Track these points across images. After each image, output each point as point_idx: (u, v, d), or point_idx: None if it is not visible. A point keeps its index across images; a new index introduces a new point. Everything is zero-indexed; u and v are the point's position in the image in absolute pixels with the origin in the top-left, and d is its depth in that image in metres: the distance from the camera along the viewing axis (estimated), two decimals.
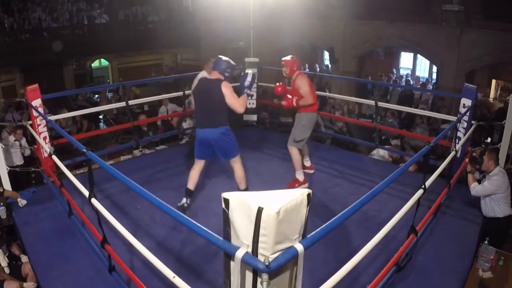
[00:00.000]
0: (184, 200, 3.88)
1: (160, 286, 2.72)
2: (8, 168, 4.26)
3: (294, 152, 4.29)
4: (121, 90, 9.69)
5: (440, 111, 7.83)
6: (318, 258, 3.03)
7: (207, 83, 3.68)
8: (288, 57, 4.23)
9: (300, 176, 4.36)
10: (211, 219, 3.58)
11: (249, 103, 5.92)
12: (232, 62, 3.73)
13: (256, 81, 3.90)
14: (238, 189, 3.82)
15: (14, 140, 5.44)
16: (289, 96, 4.19)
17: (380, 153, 5.68)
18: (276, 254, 1.48)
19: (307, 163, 4.76)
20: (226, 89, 3.56)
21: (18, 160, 5.53)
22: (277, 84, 4.36)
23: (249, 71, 3.83)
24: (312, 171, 4.77)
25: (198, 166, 3.89)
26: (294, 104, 4.15)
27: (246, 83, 3.67)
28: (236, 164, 3.83)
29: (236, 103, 3.58)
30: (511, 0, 8.00)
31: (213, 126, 3.65)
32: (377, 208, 3.80)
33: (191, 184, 3.89)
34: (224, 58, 3.74)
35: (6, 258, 3.40)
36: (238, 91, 3.72)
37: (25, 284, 3.23)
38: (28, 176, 5.07)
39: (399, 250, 2.72)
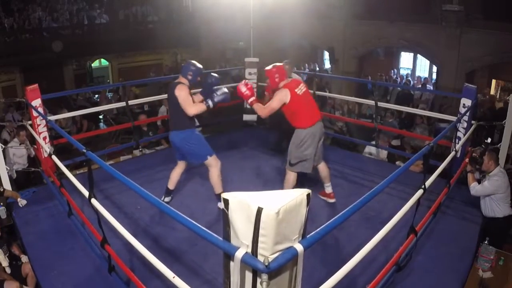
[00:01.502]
0: (162, 197, 3.97)
1: (160, 286, 2.72)
2: (8, 169, 4.26)
3: (289, 176, 3.79)
4: (121, 90, 9.70)
5: (445, 110, 7.80)
6: (318, 258, 3.03)
7: (170, 87, 3.70)
8: (270, 66, 3.70)
9: None
10: (210, 219, 3.60)
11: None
12: (198, 65, 3.67)
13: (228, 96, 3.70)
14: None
15: (20, 144, 5.38)
16: (247, 92, 3.63)
17: (371, 150, 5.70)
18: (276, 254, 1.48)
19: (328, 189, 4.05)
20: (179, 91, 3.54)
21: (24, 163, 5.49)
22: (244, 82, 3.72)
23: (225, 89, 3.70)
24: (333, 200, 4.05)
25: (178, 167, 3.95)
26: (248, 100, 3.68)
27: (215, 96, 3.60)
28: (210, 168, 3.76)
29: (187, 107, 3.52)
30: (511, 0, 8.00)
31: (174, 129, 3.69)
32: (377, 208, 3.80)
33: (170, 184, 3.98)
34: (190, 61, 3.72)
35: (7, 258, 3.40)
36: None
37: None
38: (28, 176, 5.07)
39: (399, 250, 2.72)
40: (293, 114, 3.70)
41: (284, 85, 3.66)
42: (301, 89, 3.70)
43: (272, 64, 3.73)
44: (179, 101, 3.55)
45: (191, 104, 3.57)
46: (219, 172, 3.79)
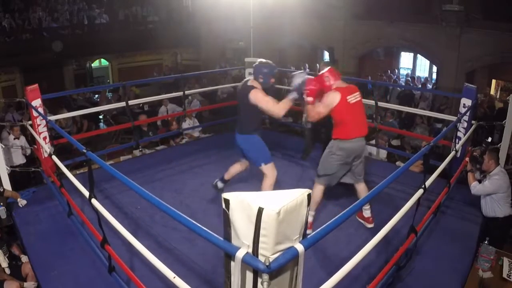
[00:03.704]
0: (216, 180, 4.08)
1: (160, 286, 2.72)
2: (9, 169, 4.26)
3: (315, 190, 3.43)
4: (121, 90, 9.70)
5: (443, 111, 7.83)
6: (318, 258, 3.03)
7: (242, 88, 3.56)
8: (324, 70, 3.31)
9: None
10: (211, 219, 3.59)
11: None
12: (270, 66, 3.51)
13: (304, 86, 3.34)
14: None
15: (14, 139, 5.43)
16: (308, 90, 3.25)
17: (371, 150, 5.69)
18: (277, 254, 1.48)
19: (366, 212, 3.57)
20: (255, 95, 3.37)
21: (20, 160, 5.52)
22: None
23: (302, 75, 3.35)
24: (371, 225, 3.57)
25: (240, 164, 3.96)
26: (307, 98, 3.28)
27: (295, 85, 3.32)
28: (264, 175, 3.67)
29: (271, 107, 3.33)
30: (511, 0, 8.00)
31: (238, 131, 3.67)
32: (377, 208, 3.80)
33: (227, 175, 4.03)
34: (260, 61, 3.54)
35: (7, 259, 3.40)
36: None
37: (25, 284, 3.24)
38: (28, 176, 5.07)
39: (399, 250, 2.72)
40: (336, 122, 3.33)
41: (336, 88, 3.29)
42: (355, 97, 3.31)
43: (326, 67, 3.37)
44: (260, 105, 3.36)
45: (274, 103, 3.34)
46: (272, 181, 3.63)
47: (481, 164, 3.72)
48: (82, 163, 4.87)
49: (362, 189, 3.51)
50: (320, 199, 3.48)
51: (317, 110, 3.29)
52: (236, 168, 4.00)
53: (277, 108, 3.34)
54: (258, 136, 3.66)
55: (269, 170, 3.63)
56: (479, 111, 7.14)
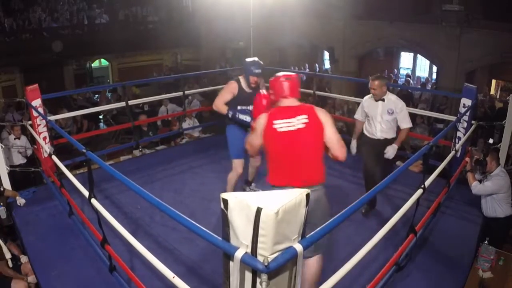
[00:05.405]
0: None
1: (160, 286, 2.72)
2: (9, 168, 4.25)
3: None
4: (120, 90, 9.71)
5: (443, 111, 7.84)
6: None
7: None
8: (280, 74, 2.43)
9: None
10: (210, 219, 3.60)
11: None
12: (253, 64, 3.64)
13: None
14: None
15: (14, 139, 5.42)
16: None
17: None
18: (275, 254, 1.48)
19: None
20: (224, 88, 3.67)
21: (20, 159, 5.51)
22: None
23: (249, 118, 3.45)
24: None
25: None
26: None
27: (239, 114, 3.49)
28: (232, 170, 3.77)
29: (216, 99, 3.62)
30: (511, 0, 8.00)
31: None
32: (377, 208, 3.79)
33: (249, 176, 4.08)
34: (249, 59, 3.72)
35: (9, 250, 3.42)
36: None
37: (29, 279, 3.28)
38: (28, 176, 5.07)
39: (399, 250, 2.72)
40: (267, 159, 2.41)
41: (274, 108, 2.42)
42: (294, 123, 2.29)
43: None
44: None
45: (220, 99, 3.58)
46: (236, 178, 3.75)
47: (485, 167, 3.71)
48: (82, 163, 4.87)
49: (309, 267, 2.33)
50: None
51: (249, 141, 2.50)
52: (250, 165, 3.96)
53: (217, 104, 3.57)
54: (236, 128, 3.65)
55: (235, 165, 3.70)
56: (479, 111, 7.14)
